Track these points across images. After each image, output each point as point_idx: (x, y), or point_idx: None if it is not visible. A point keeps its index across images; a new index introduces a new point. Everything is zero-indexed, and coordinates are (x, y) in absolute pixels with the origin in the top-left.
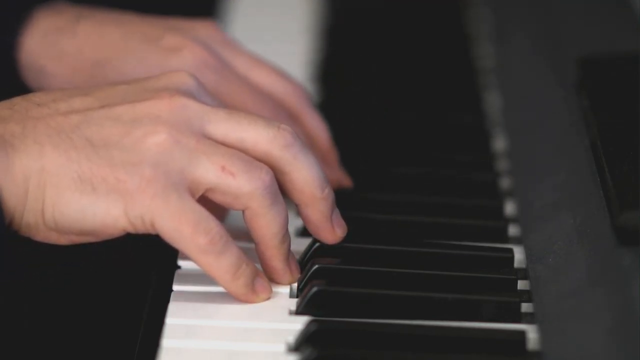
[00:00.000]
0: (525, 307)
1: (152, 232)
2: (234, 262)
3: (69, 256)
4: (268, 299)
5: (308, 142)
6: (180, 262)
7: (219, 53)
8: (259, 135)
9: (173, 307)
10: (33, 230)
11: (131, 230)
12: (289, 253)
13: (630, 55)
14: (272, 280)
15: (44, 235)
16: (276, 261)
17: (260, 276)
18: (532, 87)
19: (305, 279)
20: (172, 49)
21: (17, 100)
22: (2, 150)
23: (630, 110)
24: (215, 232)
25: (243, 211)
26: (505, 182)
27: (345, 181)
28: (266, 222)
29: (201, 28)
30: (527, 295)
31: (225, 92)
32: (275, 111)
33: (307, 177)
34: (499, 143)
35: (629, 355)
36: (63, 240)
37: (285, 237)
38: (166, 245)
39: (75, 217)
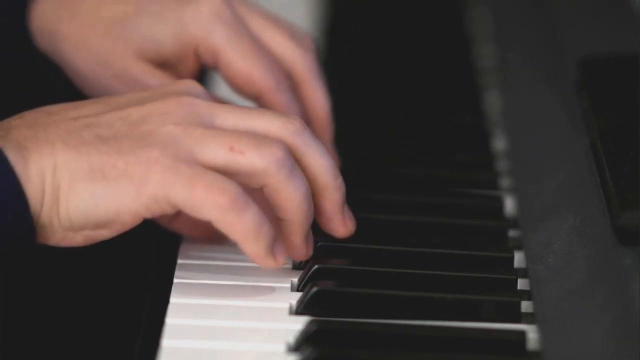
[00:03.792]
0: (525, 307)
1: (168, 211)
2: (256, 220)
3: (69, 256)
4: (283, 264)
5: (306, 114)
6: (180, 261)
7: (235, 8)
8: (269, 124)
9: (173, 307)
10: (48, 233)
11: (145, 214)
12: (309, 229)
13: (630, 55)
14: (288, 254)
15: (59, 237)
16: (296, 236)
17: (278, 239)
18: (532, 87)
19: (306, 279)
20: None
21: (26, 112)
22: (18, 154)
23: (630, 110)
24: (234, 191)
25: (263, 189)
26: (505, 182)
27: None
28: (285, 197)
29: None
30: (527, 295)
31: (234, 50)
32: (278, 79)
33: (320, 165)
34: (499, 143)
35: (629, 355)
36: (78, 238)
37: (309, 212)
38: (166, 245)
39: (88, 207)
